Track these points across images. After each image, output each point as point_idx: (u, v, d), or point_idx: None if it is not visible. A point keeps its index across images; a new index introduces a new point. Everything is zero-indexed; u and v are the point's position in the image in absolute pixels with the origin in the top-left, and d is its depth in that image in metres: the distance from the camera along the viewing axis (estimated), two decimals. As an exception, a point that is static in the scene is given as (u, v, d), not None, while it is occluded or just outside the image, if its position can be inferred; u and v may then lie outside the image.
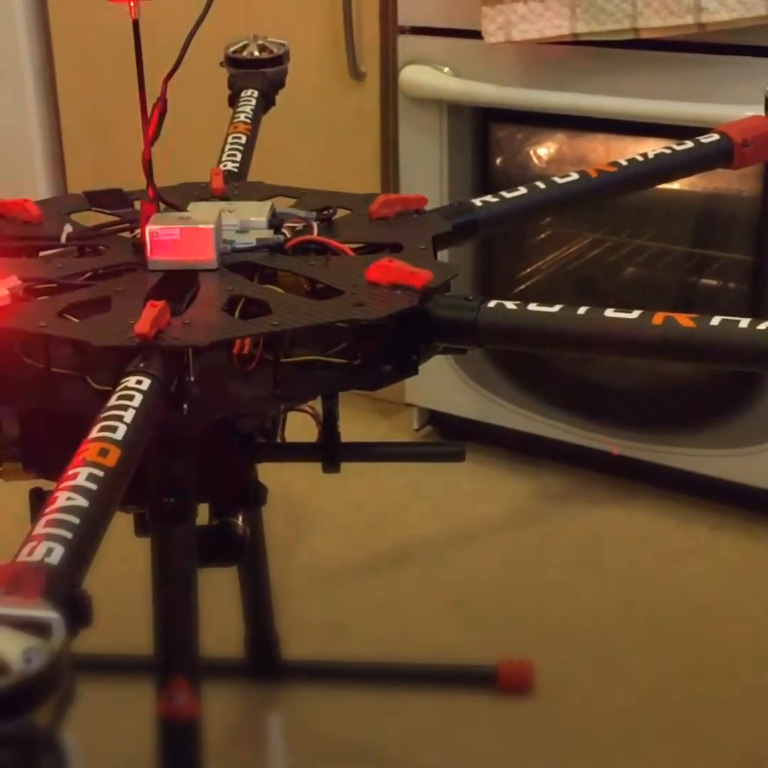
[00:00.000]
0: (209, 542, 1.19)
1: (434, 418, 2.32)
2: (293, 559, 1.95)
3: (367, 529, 2.04)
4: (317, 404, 1.21)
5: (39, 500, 1.09)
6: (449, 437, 2.30)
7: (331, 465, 1.17)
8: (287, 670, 1.68)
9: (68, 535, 0.68)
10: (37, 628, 0.54)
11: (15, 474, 1.17)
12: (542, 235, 2.20)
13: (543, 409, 2.12)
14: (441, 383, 2.19)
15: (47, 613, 0.55)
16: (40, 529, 0.68)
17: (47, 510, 0.71)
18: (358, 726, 1.60)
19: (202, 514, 1.19)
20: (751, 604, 1.82)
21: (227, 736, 1.59)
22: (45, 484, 1.08)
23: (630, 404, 2.09)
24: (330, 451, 1.16)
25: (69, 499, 0.72)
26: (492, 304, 1.00)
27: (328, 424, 1.16)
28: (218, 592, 1.60)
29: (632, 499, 2.08)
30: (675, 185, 2.00)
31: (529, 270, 2.21)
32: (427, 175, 2.06)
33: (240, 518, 1.22)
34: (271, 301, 1.04)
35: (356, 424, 2.24)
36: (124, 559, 1.52)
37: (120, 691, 1.62)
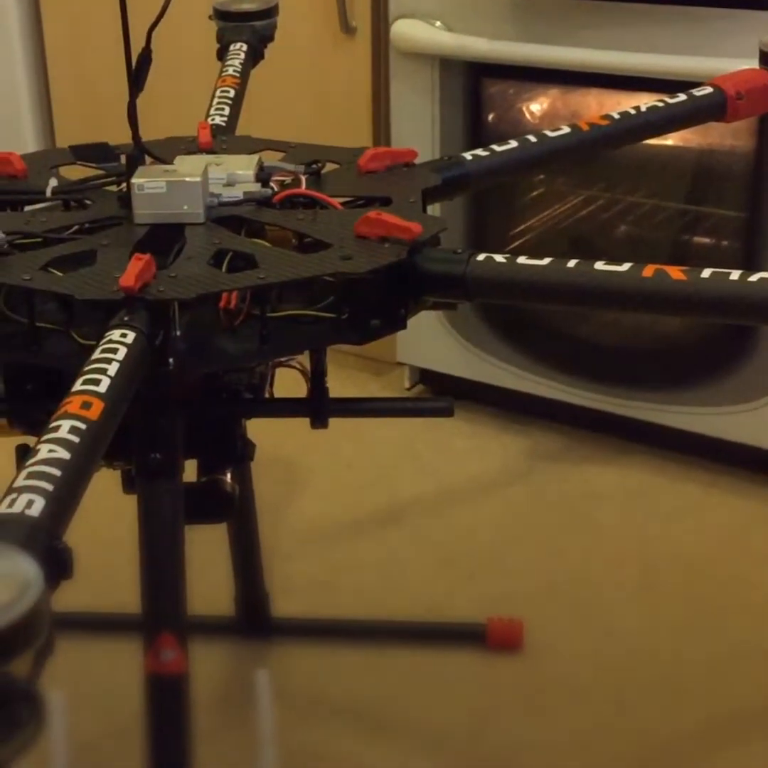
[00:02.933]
0: (197, 499, 1.18)
1: (425, 377, 2.31)
2: (284, 518, 1.95)
3: (358, 488, 2.04)
4: (305, 360, 1.20)
5: (25, 456, 1.08)
6: (441, 396, 2.29)
7: (319, 420, 1.16)
8: (277, 628, 1.68)
9: (49, 487, 0.67)
10: (15, 580, 0.54)
11: (1, 430, 1.17)
12: (535, 193, 2.18)
13: (535, 367, 2.11)
14: (432, 342, 2.18)
15: (26, 565, 0.55)
16: (20, 481, 0.67)
17: (28, 462, 0.70)
18: (347, 683, 1.60)
19: (191, 471, 1.18)
20: (741, 563, 1.82)
21: (217, 694, 1.59)
22: (32, 441, 1.07)
23: (622, 362, 2.08)
24: (318, 406, 1.15)
25: (51, 451, 0.71)
26: (481, 257, 0.99)
27: (316, 379, 1.15)
28: (208, 550, 1.60)
29: (624, 457, 2.07)
30: (668, 141, 1.99)
31: (521, 228, 2.19)
32: (418, 131, 2.04)
33: (228, 475, 1.22)
34: (258, 255, 1.03)
35: (347, 383, 2.23)
36: (113, 517, 1.52)
37: (109, 649, 1.62)
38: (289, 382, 1.24)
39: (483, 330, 2.14)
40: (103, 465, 1.15)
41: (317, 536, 1.92)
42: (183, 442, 1.12)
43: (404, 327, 1.04)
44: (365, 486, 2.04)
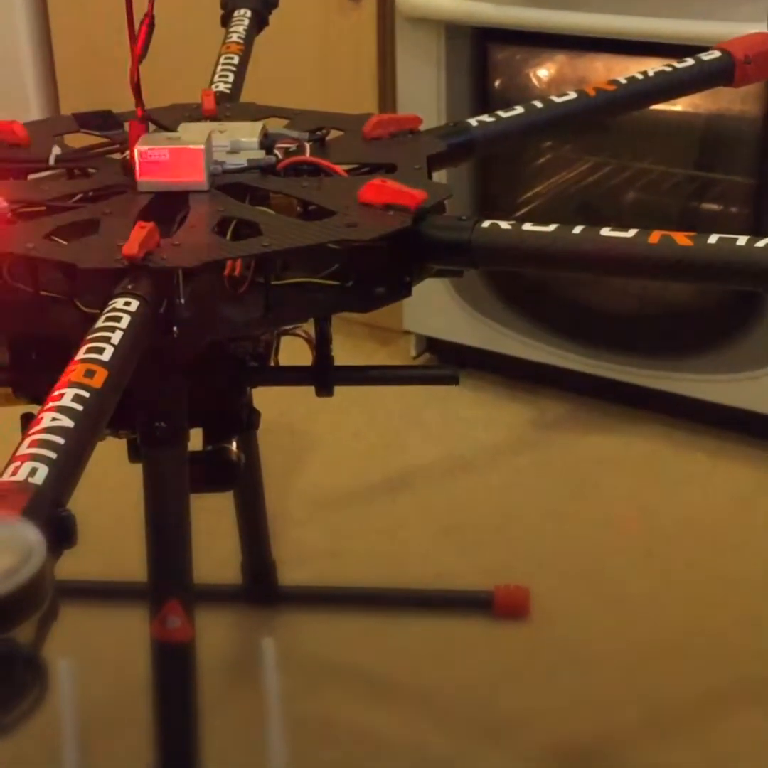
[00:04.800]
0: (203, 468, 1.18)
1: (432, 346, 2.31)
2: (291, 487, 1.95)
3: (365, 457, 2.04)
4: (311, 328, 1.19)
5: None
6: (447, 364, 2.28)
7: (324, 388, 1.15)
8: (284, 596, 1.69)
9: (53, 455, 0.67)
10: (18, 547, 0.54)
11: (6, 400, 1.16)
12: (542, 160, 2.17)
13: (542, 335, 2.10)
14: (439, 310, 2.17)
15: (29, 532, 0.55)
16: (24, 449, 0.67)
17: (32, 430, 0.70)
18: (354, 651, 1.61)
19: (196, 441, 1.18)
20: (748, 531, 1.82)
21: (224, 661, 1.60)
22: (36, 410, 1.07)
23: (629, 330, 2.07)
24: (323, 375, 1.15)
25: (54, 419, 0.71)
26: (486, 223, 0.98)
27: (321, 347, 1.14)
28: (215, 519, 1.61)
29: (630, 425, 2.07)
30: (677, 107, 1.97)
31: (528, 195, 2.18)
32: (424, 98, 2.03)
33: (234, 444, 1.22)
34: (262, 223, 1.03)
35: (354, 352, 2.23)
36: (119, 486, 1.53)
37: (115, 617, 1.62)
38: (294, 351, 1.23)
39: (490, 298, 2.13)
40: (108, 434, 1.15)
41: (324, 504, 1.92)
42: (188, 411, 1.12)
43: (409, 294, 1.03)
44: (371, 454, 2.04)
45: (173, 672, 1.13)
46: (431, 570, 1.75)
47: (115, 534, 1.73)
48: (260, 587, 1.68)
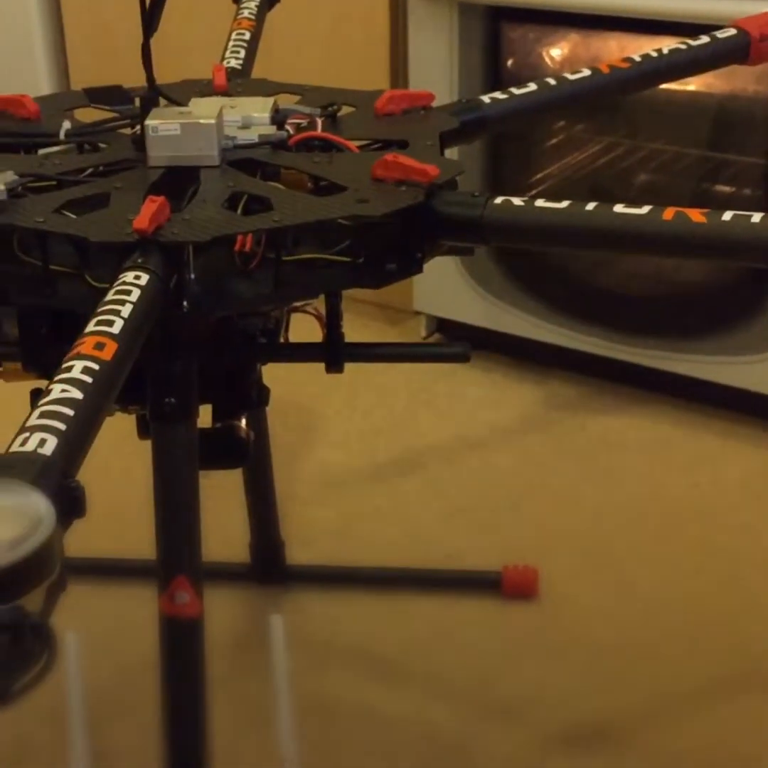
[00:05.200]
0: (212, 445, 1.18)
1: (442, 326, 2.30)
2: (300, 466, 1.95)
3: (374, 436, 2.03)
4: (321, 306, 1.19)
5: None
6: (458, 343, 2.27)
7: (334, 365, 1.15)
8: (292, 575, 1.68)
9: (62, 426, 0.67)
10: (27, 515, 0.53)
11: (15, 375, 1.16)
12: (553, 140, 2.16)
13: (552, 316, 2.09)
14: (449, 290, 2.17)
15: (38, 501, 0.55)
16: (33, 420, 0.67)
17: (41, 402, 0.70)
18: (362, 630, 1.61)
19: (205, 418, 1.18)
20: (758, 514, 1.81)
21: (231, 640, 1.60)
22: (45, 386, 1.07)
23: (640, 311, 2.06)
24: (333, 351, 1.14)
25: (63, 391, 0.71)
26: (499, 200, 0.97)
27: (332, 323, 1.14)
28: (224, 497, 1.60)
29: (641, 407, 2.06)
30: (690, 87, 1.96)
31: (539, 176, 2.17)
32: (437, 76, 2.01)
33: (243, 421, 1.21)
34: (274, 198, 1.02)
35: (364, 332, 2.22)
36: (128, 463, 1.53)
37: (123, 594, 1.62)
38: (304, 329, 1.23)
39: (500, 278, 2.13)
40: (117, 409, 1.15)
41: (332, 483, 1.92)
42: (198, 387, 1.11)
43: (421, 271, 1.03)
44: (380, 434, 2.04)
45: (182, 648, 1.12)
46: (440, 550, 1.75)
47: (122, 512, 1.73)
48: (268, 566, 1.68)
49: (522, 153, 2.15)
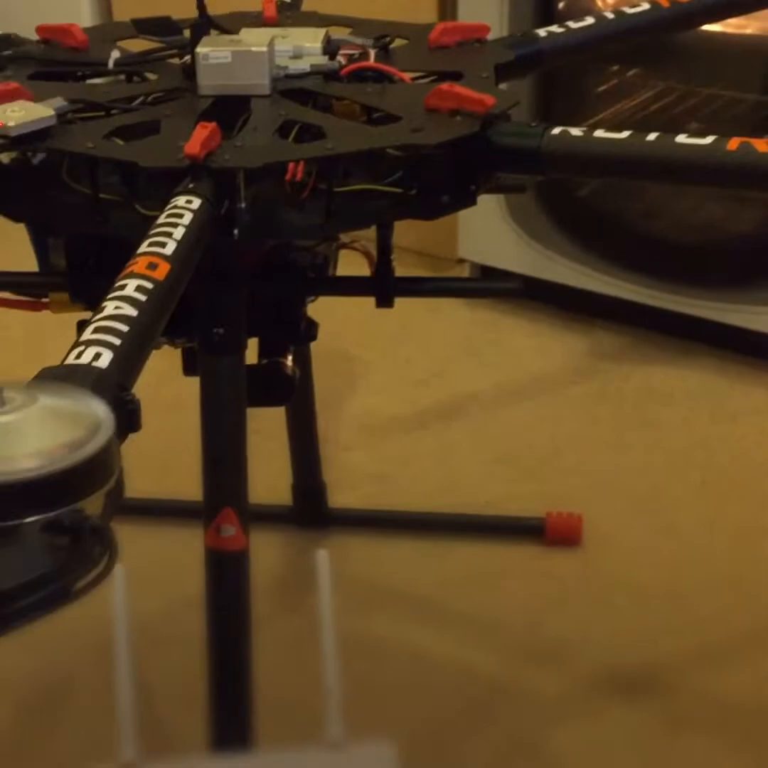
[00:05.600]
0: (258, 382, 1.17)
1: (486, 275, 2.27)
2: (342, 411, 1.94)
3: (417, 384, 2.02)
4: (370, 244, 1.17)
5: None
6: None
7: (384, 299, 1.13)
8: (334, 518, 1.68)
9: (116, 341, 0.66)
10: (87, 419, 0.53)
11: (62, 305, 1.16)
12: (607, 85, 2.12)
13: (599, 264, 2.06)
14: (494, 238, 2.14)
15: (97, 407, 0.54)
16: (88, 335, 0.66)
17: (95, 318, 0.69)
18: (404, 573, 1.60)
19: (252, 356, 1.17)
20: (805, 465, 1.79)
21: (274, 580, 1.60)
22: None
23: (687, 260, 2.03)
24: (383, 285, 1.13)
25: (117, 308, 0.70)
26: (556, 130, 0.96)
27: (382, 256, 1.12)
28: (268, 441, 1.60)
29: (686, 357, 2.04)
30: (748, 30, 1.91)
31: (591, 122, 2.13)
32: (486, 12, 1.97)
33: (289, 359, 1.21)
34: (326, 126, 1.01)
35: (407, 279, 2.20)
36: (171, 405, 1.52)
37: (168, 535, 1.63)
38: (352, 269, 1.21)
39: (547, 225, 2.10)
40: (164, 342, 1.14)
41: (374, 429, 1.91)
42: (246, 321, 1.10)
43: (474, 203, 1.01)
44: (423, 381, 2.03)
45: (227, 581, 1.12)
46: (482, 497, 1.74)
47: (167, 453, 1.73)
48: (310, 509, 1.67)
49: (573, 99, 2.11)
